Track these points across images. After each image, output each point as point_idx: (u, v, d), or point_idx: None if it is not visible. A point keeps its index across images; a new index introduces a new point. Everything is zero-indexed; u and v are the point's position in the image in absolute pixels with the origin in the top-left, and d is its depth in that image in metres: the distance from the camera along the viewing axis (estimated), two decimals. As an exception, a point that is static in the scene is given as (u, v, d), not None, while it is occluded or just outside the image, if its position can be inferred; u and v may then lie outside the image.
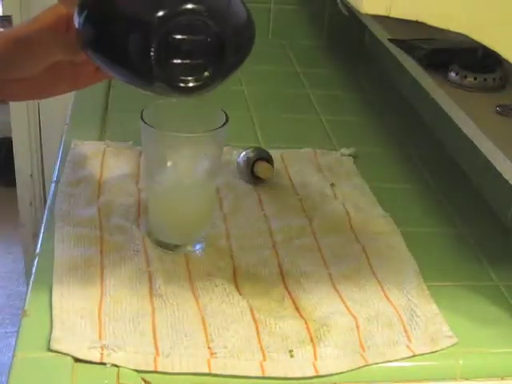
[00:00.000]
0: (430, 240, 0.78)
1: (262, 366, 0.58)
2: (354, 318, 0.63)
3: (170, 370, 0.56)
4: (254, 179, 0.84)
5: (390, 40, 0.97)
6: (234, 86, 1.15)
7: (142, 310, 0.62)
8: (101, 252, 0.69)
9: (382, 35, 1.01)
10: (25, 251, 1.87)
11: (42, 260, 0.68)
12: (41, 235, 0.72)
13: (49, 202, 0.77)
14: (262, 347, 0.59)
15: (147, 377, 0.56)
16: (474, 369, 0.62)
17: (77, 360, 0.56)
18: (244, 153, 0.85)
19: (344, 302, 0.65)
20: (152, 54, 0.51)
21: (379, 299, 0.66)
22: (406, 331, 0.63)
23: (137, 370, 0.56)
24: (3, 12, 1.73)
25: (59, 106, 1.48)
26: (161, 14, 0.50)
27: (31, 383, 0.54)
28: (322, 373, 0.58)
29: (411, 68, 0.93)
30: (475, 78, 0.84)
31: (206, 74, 0.53)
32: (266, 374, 0.57)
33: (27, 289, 0.64)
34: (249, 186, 0.84)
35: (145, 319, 0.61)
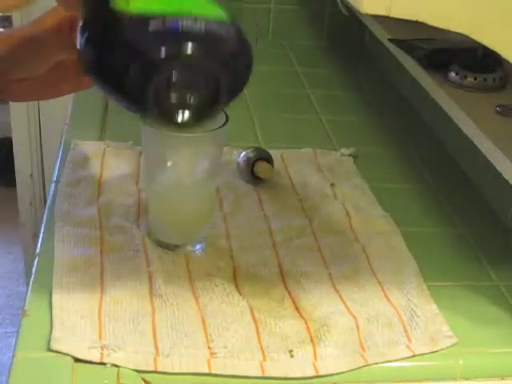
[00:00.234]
0: (429, 240, 0.78)
1: (262, 366, 0.58)
2: (354, 317, 0.63)
3: (170, 370, 0.56)
4: (254, 179, 0.84)
5: (390, 40, 0.97)
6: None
7: (141, 310, 0.62)
8: (101, 252, 0.69)
9: (382, 35, 1.01)
10: (25, 251, 1.87)
11: (41, 260, 0.68)
12: (41, 235, 0.72)
13: (49, 202, 0.77)
14: (261, 347, 0.59)
15: (147, 377, 0.56)
16: (473, 369, 0.62)
17: (77, 360, 0.56)
18: (244, 153, 0.85)
19: (344, 302, 0.65)
20: (150, 87, 0.51)
21: (379, 299, 0.66)
22: (406, 331, 0.63)
23: (137, 370, 0.56)
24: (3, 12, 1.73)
25: (59, 106, 1.48)
26: (163, 54, 0.50)
27: (31, 383, 0.54)
28: (322, 373, 0.58)
29: (411, 68, 0.93)
30: (475, 78, 0.84)
31: (202, 110, 0.55)
32: (266, 374, 0.57)
33: (27, 289, 0.64)
34: (249, 185, 0.84)
35: (145, 319, 0.61)
